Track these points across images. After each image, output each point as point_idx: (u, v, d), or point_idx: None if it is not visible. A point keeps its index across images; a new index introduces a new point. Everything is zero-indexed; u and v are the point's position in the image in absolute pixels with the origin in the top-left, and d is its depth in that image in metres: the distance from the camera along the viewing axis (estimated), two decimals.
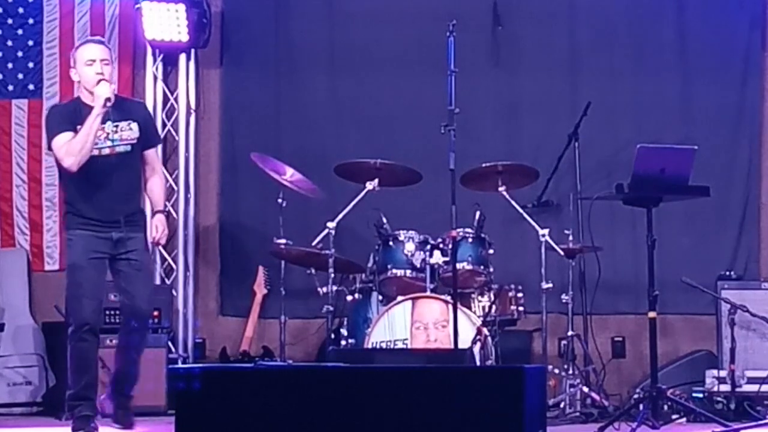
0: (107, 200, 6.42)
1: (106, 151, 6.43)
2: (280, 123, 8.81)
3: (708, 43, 8.63)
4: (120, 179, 6.46)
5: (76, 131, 6.36)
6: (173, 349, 8.29)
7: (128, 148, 6.49)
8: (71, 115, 6.45)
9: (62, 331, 7.86)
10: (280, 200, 7.69)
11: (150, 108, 8.48)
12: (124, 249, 6.47)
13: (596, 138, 8.38)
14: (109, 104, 6.33)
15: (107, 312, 7.75)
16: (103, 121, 6.38)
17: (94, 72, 6.41)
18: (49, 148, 6.53)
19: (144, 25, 8.48)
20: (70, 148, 6.33)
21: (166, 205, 6.81)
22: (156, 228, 6.58)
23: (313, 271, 7.64)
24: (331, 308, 7.37)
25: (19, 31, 8.72)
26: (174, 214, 8.53)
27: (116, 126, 6.45)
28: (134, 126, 6.51)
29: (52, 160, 8.57)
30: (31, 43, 8.72)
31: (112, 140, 6.44)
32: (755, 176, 8.61)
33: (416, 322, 7.15)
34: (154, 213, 6.73)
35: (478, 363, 6.81)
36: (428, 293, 7.24)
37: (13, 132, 8.69)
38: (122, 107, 6.55)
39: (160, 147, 6.91)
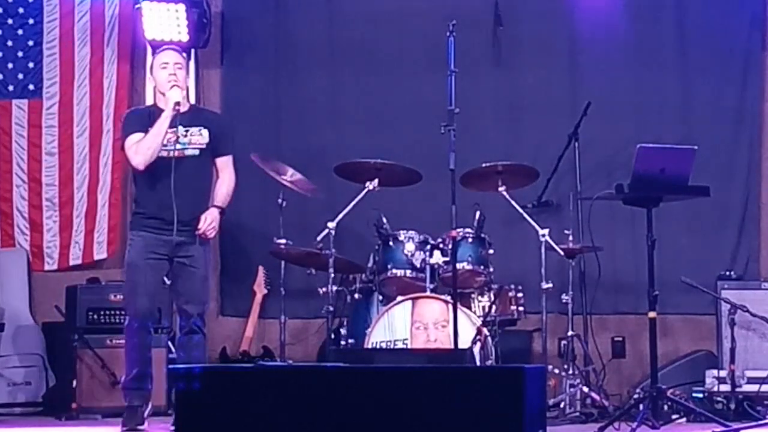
0: (172, 201, 6.59)
1: (175, 154, 6.65)
2: (280, 123, 8.81)
3: (708, 43, 8.63)
4: (186, 181, 6.65)
5: (147, 133, 6.62)
6: (173, 349, 8.28)
7: (196, 152, 6.71)
8: (145, 117, 6.72)
9: (62, 331, 7.91)
10: (280, 200, 7.69)
11: None
12: (183, 252, 6.67)
13: (596, 138, 8.38)
14: (178, 107, 6.61)
15: (109, 312, 7.79)
16: (175, 125, 6.63)
17: (167, 74, 6.71)
18: (122, 148, 6.81)
19: (144, 25, 8.48)
20: (139, 148, 6.61)
21: (225, 205, 6.84)
22: (204, 219, 6.68)
23: (313, 271, 7.65)
24: (331, 308, 7.36)
25: (19, 31, 8.72)
26: None
27: (186, 131, 6.70)
28: (205, 132, 6.74)
29: (52, 160, 8.65)
30: (31, 43, 8.72)
31: (182, 144, 6.69)
32: (755, 176, 8.61)
33: (416, 322, 7.15)
34: (210, 206, 6.81)
35: (478, 363, 6.81)
36: (428, 293, 7.24)
37: (14, 132, 8.69)
38: (197, 115, 6.88)
39: (232, 157, 6.92)
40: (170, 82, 6.67)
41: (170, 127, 6.61)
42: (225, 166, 6.86)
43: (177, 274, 6.74)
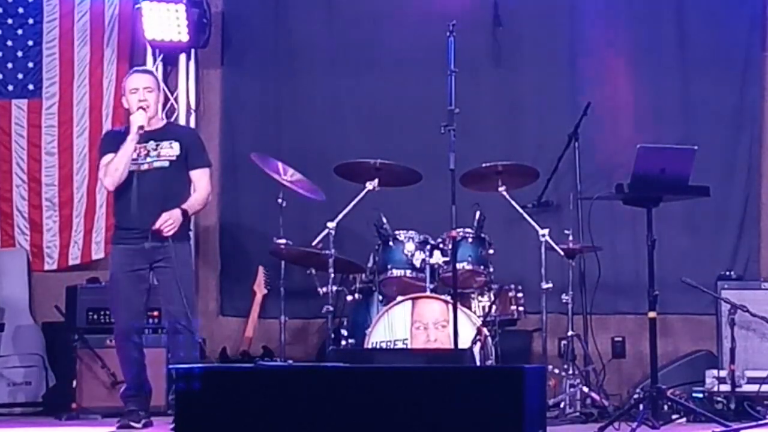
0: (143, 212, 6.76)
1: (144, 167, 6.86)
2: (280, 123, 8.81)
3: (708, 43, 8.63)
4: (155, 192, 6.81)
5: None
6: None
7: (165, 164, 6.88)
8: (118, 138, 6.89)
9: (62, 331, 7.90)
10: (280, 200, 7.69)
11: None
12: (158, 256, 6.80)
13: (596, 138, 8.38)
14: (141, 131, 6.77)
15: (109, 312, 7.79)
16: (146, 141, 6.83)
17: (137, 99, 6.88)
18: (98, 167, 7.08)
19: (144, 25, 8.48)
20: (107, 170, 6.86)
21: (190, 208, 6.93)
22: (162, 217, 6.76)
23: (313, 271, 7.64)
24: (331, 308, 7.37)
25: (19, 31, 8.71)
26: None
27: (158, 145, 6.89)
28: (175, 145, 6.92)
29: (52, 160, 8.65)
30: (30, 43, 8.71)
31: (152, 157, 6.87)
32: (755, 176, 8.61)
33: (416, 322, 7.15)
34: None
35: (478, 363, 6.81)
36: (428, 293, 7.24)
37: (13, 132, 8.68)
38: (169, 130, 7.07)
39: (207, 170, 7.07)
40: (137, 107, 6.85)
41: (139, 143, 6.80)
42: (199, 178, 6.99)
43: (157, 278, 6.89)
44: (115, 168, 6.79)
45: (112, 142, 6.92)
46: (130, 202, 6.80)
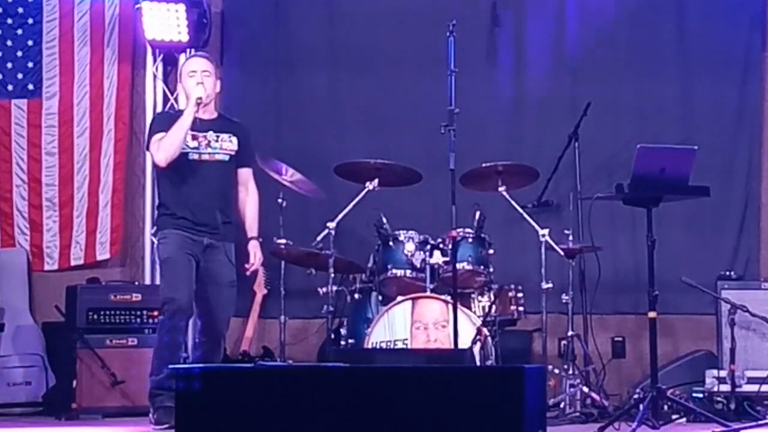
0: (202, 203, 6.70)
1: (206, 157, 6.76)
2: (280, 123, 8.81)
3: (708, 43, 8.64)
4: (216, 186, 6.75)
5: None
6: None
7: (226, 158, 6.81)
8: (171, 120, 6.78)
9: (62, 331, 7.90)
10: (280, 200, 7.69)
11: (149, 108, 8.55)
12: (211, 256, 6.71)
13: (596, 138, 8.38)
14: (200, 101, 6.66)
15: (109, 312, 7.80)
16: (205, 130, 6.73)
17: (195, 82, 6.77)
18: (147, 149, 6.90)
19: (144, 25, 8.49)
20: (161, 144, 6.67)
21: (259, 232, 6.95)
22: (254, 255, 6.82)
23: (313, 271, 7.65)
24: (331, 308, 7.36)
25: (19, 31, 8.70)
26: None
27: (217, 136, 6.79)
28: (234, 140, 6.85)
29: (52, 160, 8.64)
30: (30, 42, 8.71)
31: (213, 148, 6.78)
32: (755, 176, 8.61)
33: (416, 322, 7.15)
34: (249, 239, 6.88)
35: (478, 363, 6.81)
36: (428, 293, 7.24)
37: (13, 132, 8.67)
38: (226, 122, 6.93)
39: (252, 170, 7.02)
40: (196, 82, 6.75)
41: (199, 131, 6.69)
42: (248, 178, 6.94)
43: (203, 279, 6.72)
44: (170, 142, 6.62)
45: (165, 122, 6.79)
46: (192, 193, 6.69)
